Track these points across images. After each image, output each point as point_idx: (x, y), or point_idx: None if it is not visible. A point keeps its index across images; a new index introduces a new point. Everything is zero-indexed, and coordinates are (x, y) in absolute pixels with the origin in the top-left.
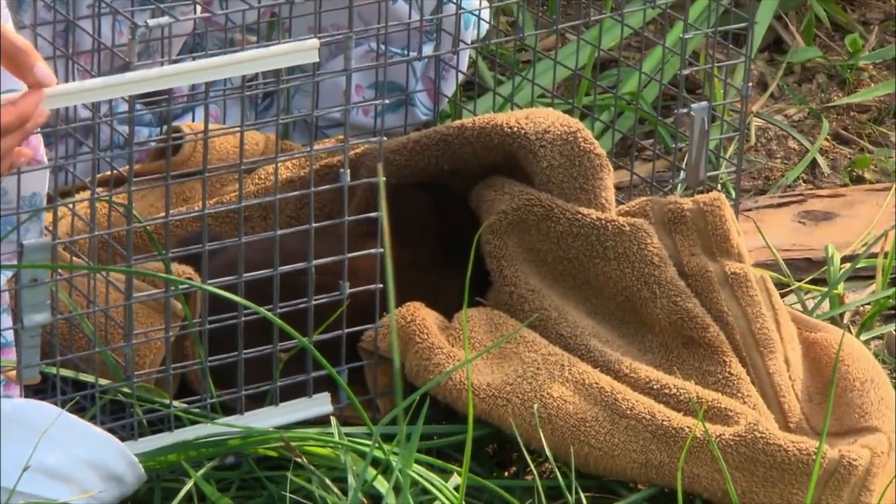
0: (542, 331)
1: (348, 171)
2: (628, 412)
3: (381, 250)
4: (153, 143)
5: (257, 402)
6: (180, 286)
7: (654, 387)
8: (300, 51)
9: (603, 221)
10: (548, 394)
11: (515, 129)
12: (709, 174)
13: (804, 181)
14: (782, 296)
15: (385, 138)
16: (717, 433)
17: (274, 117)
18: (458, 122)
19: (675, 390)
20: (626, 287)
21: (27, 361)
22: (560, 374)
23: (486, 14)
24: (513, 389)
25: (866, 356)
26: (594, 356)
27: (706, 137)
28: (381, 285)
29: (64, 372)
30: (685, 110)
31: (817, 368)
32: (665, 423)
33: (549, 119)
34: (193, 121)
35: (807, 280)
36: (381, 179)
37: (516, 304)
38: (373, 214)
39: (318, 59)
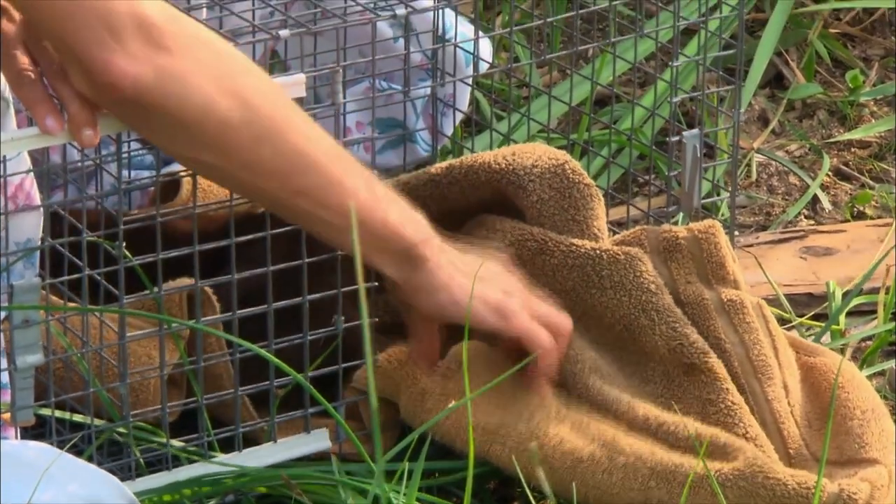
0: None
1: None
2: (626, 449)
3: (375, 283)
4: (141, 182)
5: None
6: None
7: (653, 424)
8: (288, 85)
9: (597, 251)
10: (544, 433)
11: (503, 165)
12: (703, 201)
13: (805, 217)
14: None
15: (376, 172)
16: (717, 468)
17: None
18: (446, 163)
19: (673, 427)
20: (624, 315)
21: (21, 403)
22: (557, 414)
23: (487, 50)
24: (507, 432)
25: (866, 385)
26: (592, 394)
27: (699, 165)
28: (376, 319)
29: (58, 413)
30: (677, 138)
31: (816, 394)
32: (664, 459)
33: (536, 153)
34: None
35: (808, 315)
36: None
37: None
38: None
39: (304, 94)
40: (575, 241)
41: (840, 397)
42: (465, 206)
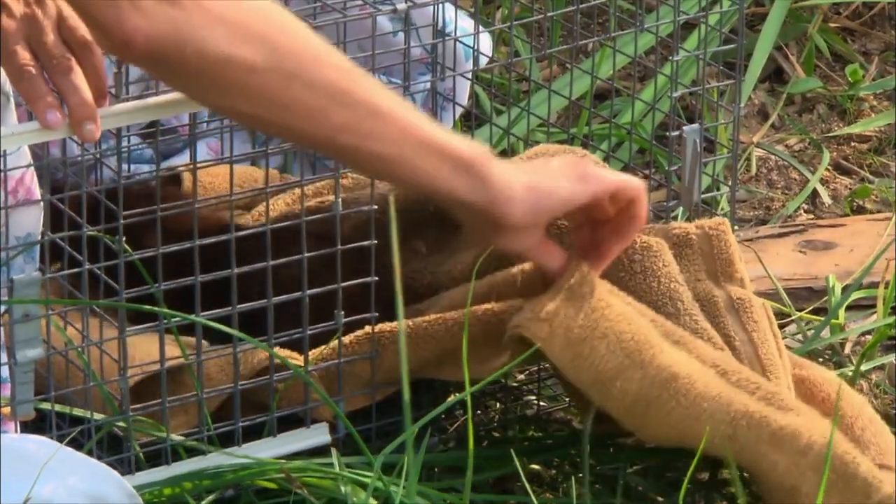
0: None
1: (340, 199)
2: (733, 378)
3: (376, 279)
4: (140, 177)
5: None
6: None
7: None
8: None
9: None
10: (645, 338)
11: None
12: (703, 196)
13: (805, 211)
14: (783, 325)
15: None
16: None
17: (272, 150)
18: None
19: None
20: (652, 301)
21: (21, 397)
22: (660, 331)
23: (487, 44)
24: (610, 326)
25: (857, 396)
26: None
27: (699, 159)
28: (377, 314)
29: (58, 408)
30: (677, 132)
31: (808, 403)
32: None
33: (551, 152)
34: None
35: (808, 310)
36: (373, 207)
37: None
38: (366, 243)
39: None
40: None
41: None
42: None
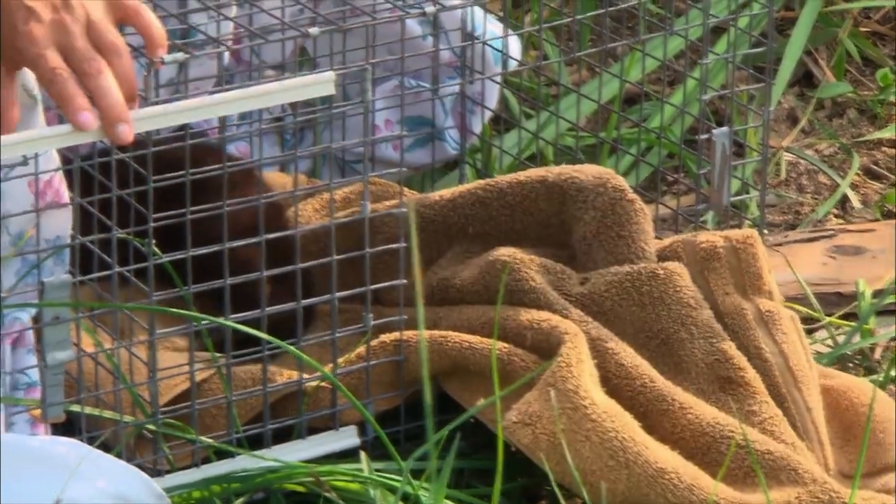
0: (600, 360)
1: (369, 202)
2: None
3: (404, 281)
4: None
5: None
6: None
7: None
8: (317, 83)
9: (636, 270)
10: (630, 436)
11: (558, 179)
12: (732, 199)
13: (834, 216)
14: (813, 331)
15: (405, 169)
16: (795, 495)
17: (301, 153)
18: (488, 180)
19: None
20: (663, 329)
21: (51, 399)
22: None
23: (516, 47)
24: (593, 427)
25: (882, 396)
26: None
27: (728, 163)
28: (405, 316)
29: (88, 410)
30: (707, 136)
31: (833, 413)
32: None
33: (585, 171)
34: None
35: (837, 315)
36: (403, 210)
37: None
38: (395, 245)
39: (334, 92)
40: (612, 268)
41: (860, 413)
42: (506, 227)
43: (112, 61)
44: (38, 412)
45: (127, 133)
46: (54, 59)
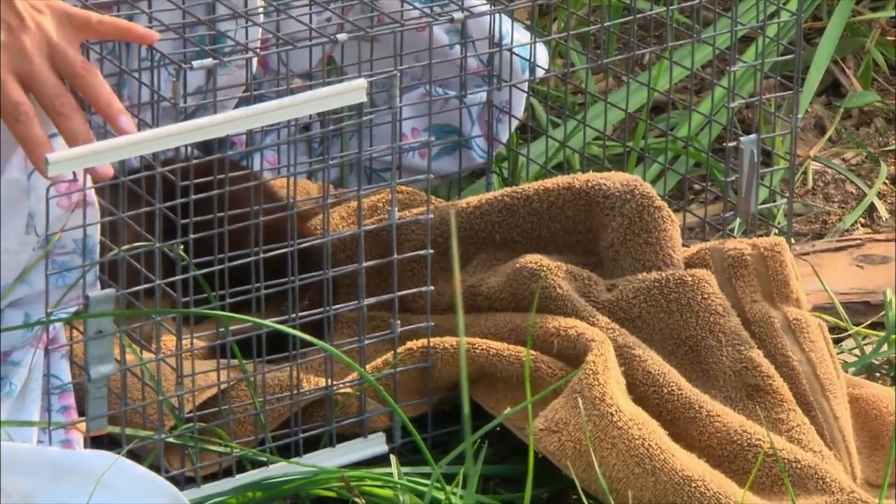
0: (627, 367)
1: (396, 209)
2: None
3: (431, 288)
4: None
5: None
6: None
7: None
8: (348, 91)
9: (664, 277)
10: (656, 443)
11: (586, 186)
12: (759, 207)
13: (862, 225)
14: (840, 340)
15: (433, 176)
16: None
17: (332, 162)
18: (520, 191)
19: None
20: (691, 336)
21: (94, 412)
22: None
23: (543, 56)
24: (620, 434)
25: None
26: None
27: (756, 170)
28: (432, 323)
29: (129, 431)
30: (734, 143)
31: (861, 423)
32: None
33: (613, 178)
34: (252, 168)
35: (865, 324)
36: (430, 217)
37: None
38: (422, 252)
39: (365, 100)
40: (640, 275)
41: (887, 421)
42: (533, 234)
43: (81, 84)
44: (82, 426)
45: (105, 172)
46: (15, 91)
